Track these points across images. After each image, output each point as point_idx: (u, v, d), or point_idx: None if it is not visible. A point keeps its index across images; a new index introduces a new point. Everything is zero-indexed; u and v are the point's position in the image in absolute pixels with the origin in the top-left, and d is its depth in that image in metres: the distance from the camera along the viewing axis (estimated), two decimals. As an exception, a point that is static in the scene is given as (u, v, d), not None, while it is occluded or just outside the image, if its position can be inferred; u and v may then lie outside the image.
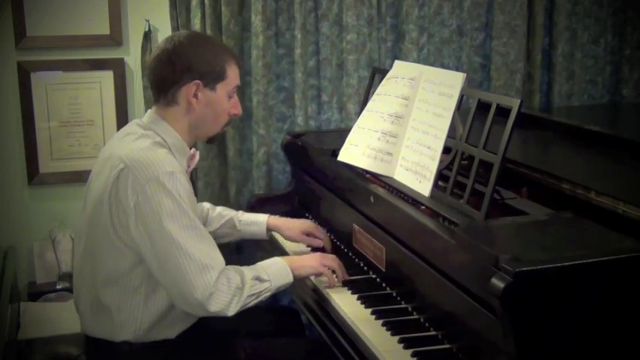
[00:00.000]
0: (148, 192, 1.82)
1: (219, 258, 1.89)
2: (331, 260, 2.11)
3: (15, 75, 2.89)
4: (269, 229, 2.39)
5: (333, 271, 2.10)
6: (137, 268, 1.90)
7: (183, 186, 1.87)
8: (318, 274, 2.10)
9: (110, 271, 1.90)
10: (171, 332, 1.98)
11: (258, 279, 1.94)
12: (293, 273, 2.01)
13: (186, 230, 1.84)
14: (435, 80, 2.09)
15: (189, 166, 2.03)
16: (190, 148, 2.04)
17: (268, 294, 1.96)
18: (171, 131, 1.97)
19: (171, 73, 1.94)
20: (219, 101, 1.99)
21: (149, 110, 2.03)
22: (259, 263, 2.02)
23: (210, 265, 1.84)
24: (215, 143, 2.17)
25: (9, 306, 2.50)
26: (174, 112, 1.98)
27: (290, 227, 2.38)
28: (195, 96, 1.95)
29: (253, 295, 1.91)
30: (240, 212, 2.42)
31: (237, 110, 2.06)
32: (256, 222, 2.38)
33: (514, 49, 3.11)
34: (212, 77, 1.96)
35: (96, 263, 1.92)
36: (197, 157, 2.08)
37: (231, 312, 1.87)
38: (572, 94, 3.19)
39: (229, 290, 1.86)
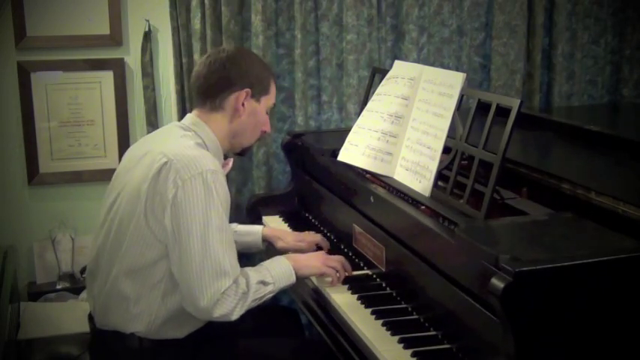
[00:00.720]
0: (188, 186, 1.83)
1: (237, 267, 1.90)
2: (335, 261, 2.10)
3: (15, 75, 2.90)
4: (264, 240, 2.38)
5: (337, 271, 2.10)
6: (160, 263, 1.90)
7: (222, 187, 1.89)
8: (321, 274, 2.10)
9: (134, 262, 1.90)
10: (181, 332, 1.98)
11: (263, 282, 1.94)
12: (296, 273, 2.01)
13: (216, 231, 1.85)
14: (435, 80, 2.09)
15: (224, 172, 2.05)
16: (225, 158, 2.08)
17: (271, 295, 1.96)
18: (212, 135, 2.01)
19: (225, 79, 2.01)
20: (260, 114, 2.07)
21: (189, 114, 2.07)
22: (264, 263, 2.02)
23: (227, 272, 1.85)
24: (245, 155, 2.22)
25: (9, 306, 2.50)
26: (218, 117, 2.02)
27: (282, 238, 2.37)
28: (243, 104, 2.01)
29: (257, 299, 1.92)
30: (235, 224, 2.40)
31: (268, 128, 2.14)
32: (251, 232, 2.38)
33: (514, 49, 3.11)
34: (260, 89, 2.05)
35: (122, 252, 1.92)
36: (230, 165, 2.10)
37: (234, 316, 1.87)
38: (572, 94, 3.20)
39: (236, 296, 1.86)
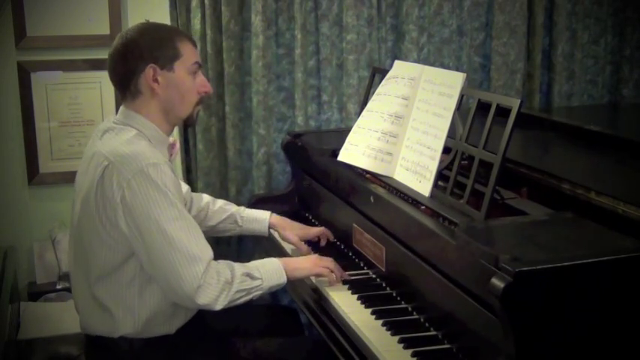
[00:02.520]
0: (133, 185, 1.83)
1: (207, 249, 1.90)
2: (328, 262, 2.11)
3: (15, 75, 2.89)
4: (270, 227, 2.40)
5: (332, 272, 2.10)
6: (129, 262, 1.90)
7: (168, 176, 1.87)
8: (315, 276, 2.10)
9: (103, 268, 1.90)
10: (170, 327, 1.98)
11: (249, 276, 1.94)
12: (288, 274, 2.01)
13: (174, 221, 1.84)
14: (435, 80, 2.09)
15: (170, 155, 2.04)
16: (169, 136, 2.05)
17: (259, 292, 1.96)
18: (146, 122, 1.97)
19: (126, 66, 1.95)
20: (181, 80, 1.98)
21: (120, 108, 2.03)
22: (253, 262, 2.02)
23: (198, 257, 1.85)
24: (192, 125, 2.15)
25: (9, 306, 2.50)
26: (142, 102, 1.97)
27: (287, 228, 2.38)
28: (156, 80, 1.95)
29: (243, 290, 1.92)
30: (242, 208, 2.43)
31: (207, 88, 2.04)
32: (258, 219, 2.39)
33: (514, 49, 3.11)
34: (166, 58, 1.95)
35: (88, 261, 1.92)
36: (177, 148, 2.08)
37: (218, 306, 1.88)
38: (572, 94, 3.19)
39: (218, 284, 1.87)
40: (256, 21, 2.88)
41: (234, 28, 2.89)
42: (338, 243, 2.41)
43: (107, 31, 2.94)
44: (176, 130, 2.43)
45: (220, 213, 2.39)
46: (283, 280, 2.01)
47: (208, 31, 2.86)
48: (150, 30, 1.99)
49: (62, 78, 2.94)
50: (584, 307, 1.47)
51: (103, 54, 2.93)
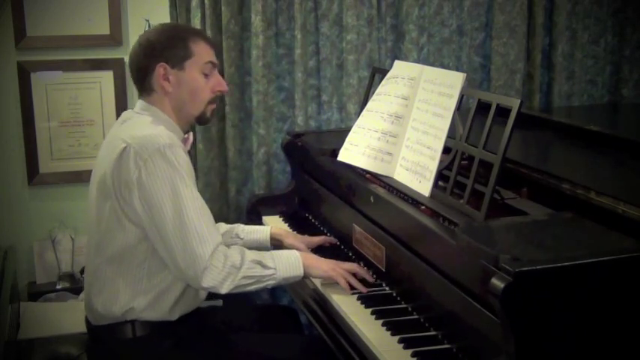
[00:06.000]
0: (149, 164, 1.86)
1: (215, 233, 1.92)
2: (348, 267, 2.06)
3: (15, 75, 2.89)
4: (272, 238, 2.37)
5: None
6: (142, 244, 1.93)
7: (183, 158, 1.90)
8: (328, 278, 2.05)
9: (117, 248, 1.94)
10: (173, 313, 2.00)
11: (261, 264, 1.94)
12: (305, 269, 2.00)
13: (187, 201, 1.87)
14: (435, 80, 2.09)
15: (185, 147, 2.04)
16: (185, 133, 2.08)
17: (272, 282, 1.96)
18: (162, 114, 2.02)
19: (140, 65, 2.01)
20: (192, 79, 2.01)
21: (138, 101, 2.08)
22: (272, 251, 2.02)
23: (207, 238, 1.87)
24: (206, 123, 2.18)
25: (9, 306, 2.50)
26: (156, 99, 2.03)
27: (290, 236, 2.38)
28: (167, 79, 2.00)
29: (251, 277, 1.92)
30: (240, 224, 2.40)
31: (222, 87, 2.08)
32: (259, 230, 2.39)
33: (514, 49, 3.11)
34: (177, 57, 1.99)
35: (103, 241, 1.95)
36: (191, 140, 2.11)
37: (224, 290, 1.89)
38: (572, 94, 3.20)
39: (224, 268, 1.88)
40: (256, 21, 2.88)
41: (234, 28, 2.89)
42: (338, 243, 2.41)
43: (107, 31, 2.94)
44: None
45: (220, 228, 2.36)
46: (300, 272, 2.00)
47: (208, 31, 2.86)
48: (165, 30, 2.06)
49: (62, 78, 2.94)
50: (584, 307, 1.47)
51: (103, 54, 2.97)
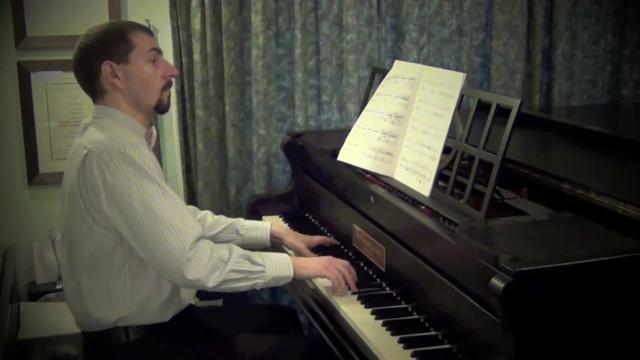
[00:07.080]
0: (112, 167, 1.85)
1: (193, 223, 1.91)
2: (340, 265, 2.06)
3: (15, 75, 2.90)
4: (272, 236, 2.37)
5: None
6: (118, 248, 1.91)
7: (146, 154, 1.89)
8: (322, 277, 2.06)
9: (93, 257, 1.92)
10: (164, 314, 1.99)
11: (250, 259, 1.93)
12: (295, 271, 2.00)
13: (155, 196, 1.86)
14: (435, 80, 2.09)
15: (149, 144, 2.04)
16: (146, 126, 2.05)
17: (261, 281, 1.94)
18: (120, 114, 1.99)
19: (85, 71, 1.99)
20: (140, 70, 1.99)
21: (93, 106, 2.04)
22: (261, 252, 2.02)
23: (182, 230, 1.85)
24: (165, 111, 2.14)
25: (9, 306, 2.50)
26: (110, 100, 2.00)
27: (290, 235, 2.37)
28: (115, 76, 1.97)
29: (240, 272, 1.90)
30: (241, 219, 2.40)
31: (172, 71, 2.06)
32: (259, 227, 2.37)
33: (514, 49, 3.11)
34: (120, 52, 1.97)
35: (77, 253, 1.94)
36: (155, 134, 2.10)
37: (211, 283, 1.87)
38: (572, 94, 3.19)
39: (210, 260, 1.86)
40: (256, 21, 2.88)
41: (234, 28, 2.89)
42: (338, 243, 2.41)
43: (107, 31, 2.94)
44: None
45: (219, 223, 2.36)
46: (289, 273, 1.98)
47: (208, 31, 2.86)
48: (101, 30, 2.01)
49: (62, 78, 2.94)
50: (584, 307, 1.47)
51: (103, 54, 2.97)
